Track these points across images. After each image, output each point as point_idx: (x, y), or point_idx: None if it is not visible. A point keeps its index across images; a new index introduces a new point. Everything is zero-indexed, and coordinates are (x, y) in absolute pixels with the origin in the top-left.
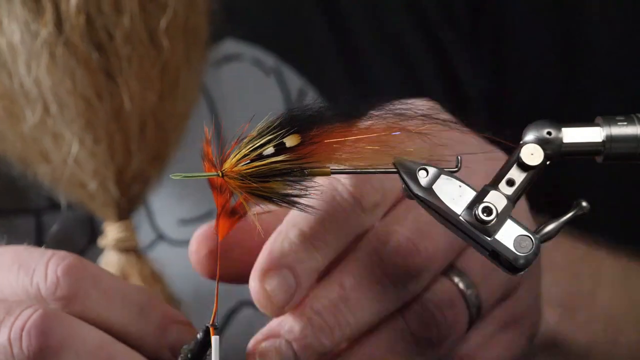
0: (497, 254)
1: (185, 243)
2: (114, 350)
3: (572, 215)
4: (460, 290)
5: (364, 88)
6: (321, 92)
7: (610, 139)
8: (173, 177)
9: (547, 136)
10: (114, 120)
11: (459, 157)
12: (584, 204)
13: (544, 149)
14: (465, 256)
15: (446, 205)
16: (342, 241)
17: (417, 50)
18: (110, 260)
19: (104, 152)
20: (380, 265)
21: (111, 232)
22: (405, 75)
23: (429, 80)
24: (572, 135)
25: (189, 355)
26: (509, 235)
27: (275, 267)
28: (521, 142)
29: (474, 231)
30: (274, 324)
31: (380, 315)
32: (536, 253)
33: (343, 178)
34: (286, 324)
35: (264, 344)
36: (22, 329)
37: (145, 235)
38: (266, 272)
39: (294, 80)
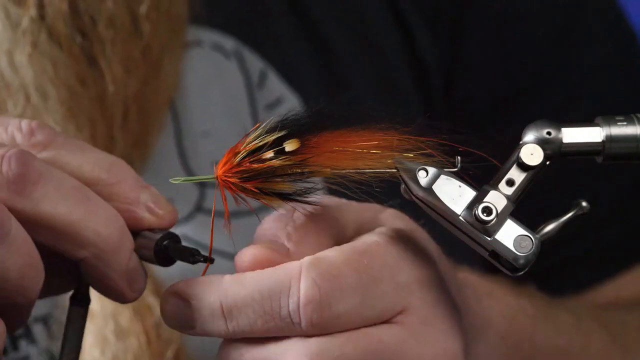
0: (497, 254)
1: None
2: (89, 193)
3: (572, 215)
4: None
5: (328, 68)
6: (282, 73)
7: (610, 139)
8: (173, 182)
9: (547, 136)
10: (97, 106)
11: (459, 157)
12: (584, 204)
13: (543, 149)
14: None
15: (446, 205)
16: None
17: (380, 25)
18: None
19: (87, 139)
20: None
21: None
22: (368, 52)
23: (392, 54)
24: (572, 135)
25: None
26: (509, 235)
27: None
28: (521, 142)
29: (474, 231)
30: None
31: None
32: (536, 253)
33: None
34: None
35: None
36: (2, 157)
37: None
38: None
39: (255, 63)
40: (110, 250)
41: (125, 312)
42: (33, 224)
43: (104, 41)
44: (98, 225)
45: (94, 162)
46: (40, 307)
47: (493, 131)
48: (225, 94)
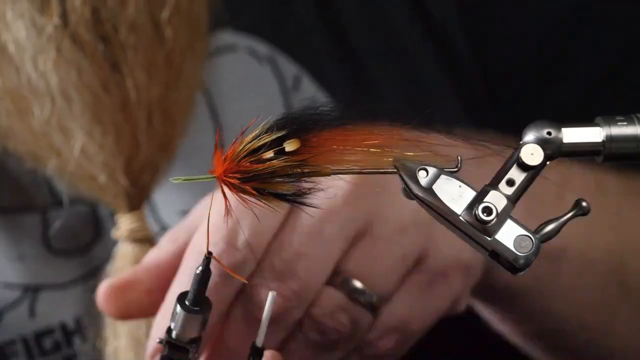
0: (497, 254)
1: None
2: None
3: (572, 215)
4: (348, 292)
5: (358, 74)
6: (316, 77)
7: (610, 139)
8: (173, 181)
9: (547, 136)
10: (121, 111)
11: (459, 157)
12: (584, 204)
13: (543, 149)
14: (348, 258)
15: (446, 205)
16: (219, 310)
17: (410, 32)
18: (125, 252)
19: (112, 143)
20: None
21: (124, 224)
22: (398, 59)
23: (423, 58)
24: (572, 135)
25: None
26: (509, 235)
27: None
28: (521, 142)
29: (474, 231)
30: None
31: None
32: (536, 253)
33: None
34: None
35: None
36: None
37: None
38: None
39: (289, 67)
40: None
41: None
42: None
43: (126, 47)
44: None
45: None
46: (87, 303)
47: (532, 106)
48: (260, 98)
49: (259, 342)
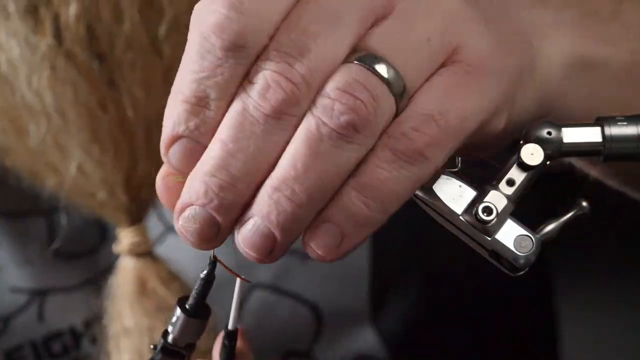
0: (497, 254)
1: None
2: None
3: (572, 215)
4: (367, 68)
5: None
6: None
7: (610, 139)
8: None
9: (547, 136)
10: (119, 128)
11: (459, 157)
12: (584, 203)
13: (544, 149)
14: (367, 36)
15: (446, 205)
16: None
17: None
18: (127, 266)
19: (110, 161)
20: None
21: (125, 238)
22: None
23: None
24: (572, 135)
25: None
26: (509, 235)
27: (170, 139)
28: (521, 142)
29: (474, 231)
30: (182, 197)
31: (276, 147)
32: (536, 253)
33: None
34: (191, 193)
35: (183, 215)
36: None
37: (154, 229)
38: (167, 147)
39: None
40: None
41: (159, 327)
42: None
43: (123, 64)
44: None
45: None
46: (96, 306)
47: None
48: None
49: (231, 325)
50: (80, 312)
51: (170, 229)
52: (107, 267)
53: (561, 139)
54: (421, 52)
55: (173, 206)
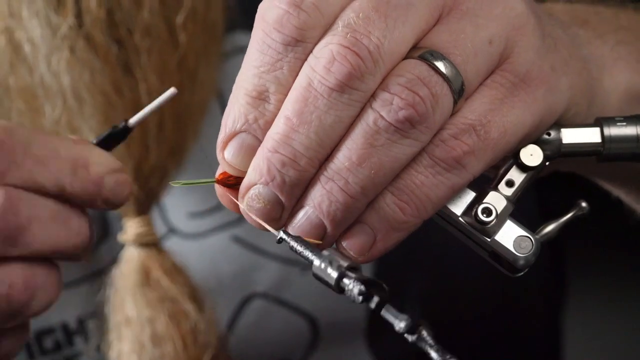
0: (497, 255)
1: (195, 235)
2: (68, 212)
3: (572, 215)
4: (429, 65)
5: None
6: None
7: (609, 140)
8: (173, 185)
9: (547, 137)
10: (132, 114)
11: None
12: (584, 204)
13: (543, 150)
14: (431, 33)
15: (446, 206)
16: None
17: None
18: (131, 255)
19: (121, 147)
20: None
21: (131, 228)
22: None
23: None
24: (572, 135)
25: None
26: (509, 236)
27: (230, 136)
28: None
29: (474, 232)
30: (246, 177)
31: (339, 126)
32: (536, 253)
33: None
34: (255, 172)
35: (247, 195)
36: None
37: (157, 230)
38: (224, 144)
39: None
40: None
41: (161, 318)
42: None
43: (140, 51)
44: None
45: (55, 172)
46: (91, 304)
47: None
48: None
49: (132, 122)
50: (74, 309)
51: (172, 230)
52: (106, 265)
53: (560, 140)
54: (482, 54)
55: (233, 206)
